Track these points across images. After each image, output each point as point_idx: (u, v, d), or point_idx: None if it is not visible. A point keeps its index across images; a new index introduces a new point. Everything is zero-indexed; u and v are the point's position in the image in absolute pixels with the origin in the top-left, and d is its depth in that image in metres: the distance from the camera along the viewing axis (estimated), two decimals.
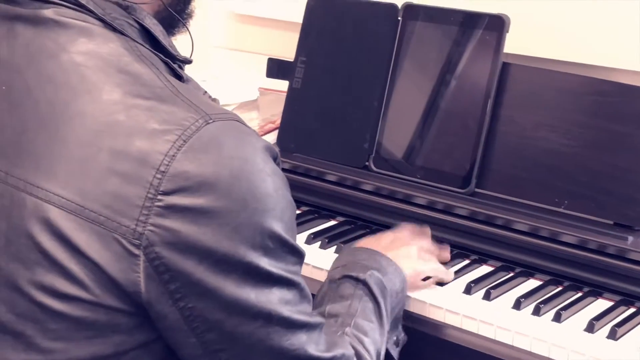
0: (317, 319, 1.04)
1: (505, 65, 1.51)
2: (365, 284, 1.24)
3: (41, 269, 0.94)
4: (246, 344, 0.98)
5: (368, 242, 1.41)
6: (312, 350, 1.02)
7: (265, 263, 0.96)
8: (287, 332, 1.00)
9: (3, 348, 0.97)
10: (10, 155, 0.98)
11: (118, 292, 0.94)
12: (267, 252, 0.96)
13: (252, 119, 1.90)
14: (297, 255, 1.01)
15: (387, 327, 1.24)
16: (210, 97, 1.06)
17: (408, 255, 1.37)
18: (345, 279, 1.26)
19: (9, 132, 0.99)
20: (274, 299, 0.98)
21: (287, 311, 0.99)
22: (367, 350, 1.15)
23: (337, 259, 1.34)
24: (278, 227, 0.97)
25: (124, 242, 0.93)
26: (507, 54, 1.52)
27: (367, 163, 1.61)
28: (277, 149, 1.01)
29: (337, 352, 1.06)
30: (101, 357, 0.96)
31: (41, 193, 0.95)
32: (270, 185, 0.96)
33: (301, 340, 1.01)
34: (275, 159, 1.00)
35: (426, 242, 1.44)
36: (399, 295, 1.30)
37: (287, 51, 1.77)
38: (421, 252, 1.40)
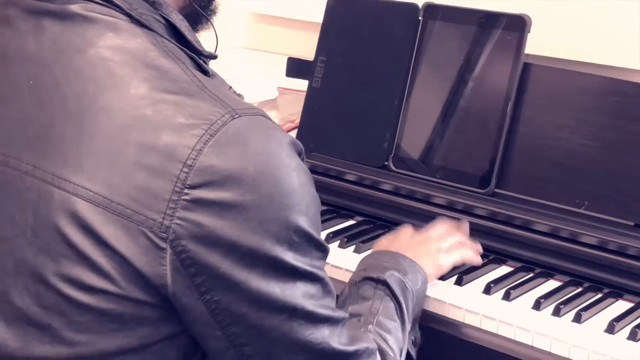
0: (340, 313, 1.05)
1: (526, 66, 1.51)
2: (385, 284, 1.24)
3: (68, 262, 0.95)
4: (270, 338, 0.98)
5: (386, 241, 1.41)
6: (335, 344, 1.03)
7: (291, 257, 0.97)
8: (311, 326, 1.00)
9: (29, 341, 0.97)
10: (38, 149, 0.98)
11: (144, 284, 0.94)
12: (292, 247, 0.97)
13: (271, 118, 1.90)
14: (322, 250, 1.02)
15: (408, 326, 1.24)
16: (235, 92, 1.07)
17: (428, 252, 1.38)
18: (365, 280, 1.27)
19: (36, 126, 0.99)
20: (298, 293, 0.98)
21: (311, 305, 1.00)
22: (390, 348, 1.16)
23: (359, 263, 1.34)
24: (303, 222, 0.97)
25: (151, 235, 0.93)
26: (528, 55, 1.52)
27: (386, 163, 1.61)
28: (301, 145, 1.01)
29: (360, 345, 1.06)
30: (127, 349, 0.97)
31: (69, 186, 0.95)
32: (296, 181, 0.97)
33: (324, 335, 1.01)
34: (300, 154, 1.00)
35: (451, 238, 1.43)
36: (420, 295, 1.31)
37: (306, 51, 1.78)
38: (440, 245, 1.40)
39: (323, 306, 1.02)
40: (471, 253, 1.44)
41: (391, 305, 1.23)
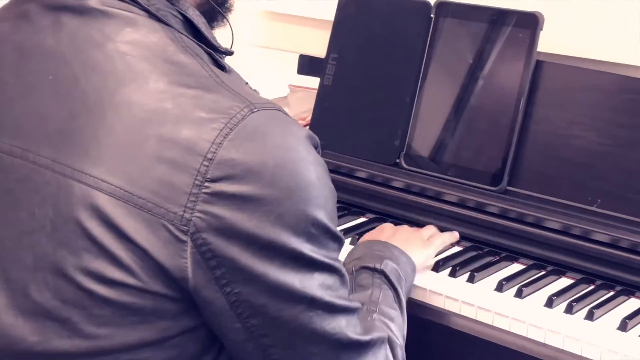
0: (355, 303, 1.06)
1: (539, 63, 1.51)
2: (382, 273, 1.27)
3: (88, 255, 0.95)
4: (289, 329, 0.99)
5: (371, 235, 1.44)
6: (352, 333, 1.04)
7: (308, 249, 0.98)
8: (329, 316, 1.01)
9: (48, 334, 0.97)
10: (57, 143, 0.99)
11: (165, 278, 0.95)
12: (310, 239, 0.98)
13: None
14: (338, 241, 1.03)
15: (405, 313, 1.26)
16: (251, 88, 1.07)
17: (413, 243, 1.41)
18: (362, 270, 1.28)
19: (55, 120, 1.00)
20: (315, 285, 1.00)
21: (328, 296, 1.01)
22: (395, 335, 1.17)
23: (350, 252, 1.36)
24: (321, 215, 0.98)
25: (172, 228, 0.94)
26: (540, 52, 1.52)
27: (397, 160, 1.61)
28: (317, 138, 1.03)
29: (374, 335, 1.08)
30: (146, 342, 0.97)
31: (89, 180, 0.95)
32: (314, 174, 0.98)
33: (341, 325, 1.03)
34: (316, 148, 1.01)
35: (427, 230, 1.49)
36: (410, 283, 1.34)
37: (317, 49, 1.78)
38: (422, 235, 1.45)
39: (339, 297, 1.03)
40: (447, 236, 1.49)
41: (390, 293, 1.25)
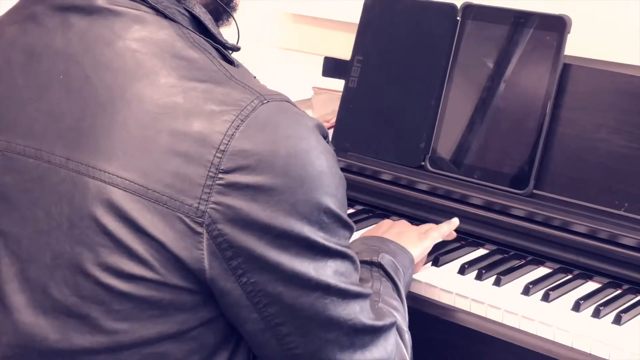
0: (367, 289, 1.08)
1: (566, 66, 1.50)
2: (379, 265, 1.27)
3: (106, 251, 0.96)
4: (305, 316, 1.01)
5: (368, 232, 1.45)
6: (366, 319, 1.05)
7: (321, 237, 1.00)
8: (343, 302, 1.03)
9: (68, 332, 0.98)
10: (70, 141, 1.00)
11: (182, 270, 0.96)
12: (322, 227, 1.00)
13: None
14: (349, 228, 1.05)
15: (405, 304, 1.27)
16: (259, 81, 1.08)
17: (409, 236, 1.41)
18: (360, 263, 1.28)
19: (67, 119, 1.00)
20: (330, 272, 1.01)
21: (342, 283, 1.02)
22: (400, 322, 1.18)
23: None
24: (332, 203, 1.00)
25: (187, 220, 0.95)
26: (566, 56, 1.52)
27: (422, 162, 1.60)
28: (325, 128, 1.04)
29: (386, 320, 1.09)
30: (166, 335, 0.98)
31: (104, 176, 0.96)
32: (324, 163, 0.99)
33: (355, 310, 1.04)
34: (325, 137, 1.03)
35: (424, 225, 1.48)
36: (409, 276, 1.34)
37: (342, 51, 1.78)
38: (419, 230, 1.45)
39: (352, 283, 1.05)
40: (446, 227, 1.48)
41: (389, 285, 1.26)
